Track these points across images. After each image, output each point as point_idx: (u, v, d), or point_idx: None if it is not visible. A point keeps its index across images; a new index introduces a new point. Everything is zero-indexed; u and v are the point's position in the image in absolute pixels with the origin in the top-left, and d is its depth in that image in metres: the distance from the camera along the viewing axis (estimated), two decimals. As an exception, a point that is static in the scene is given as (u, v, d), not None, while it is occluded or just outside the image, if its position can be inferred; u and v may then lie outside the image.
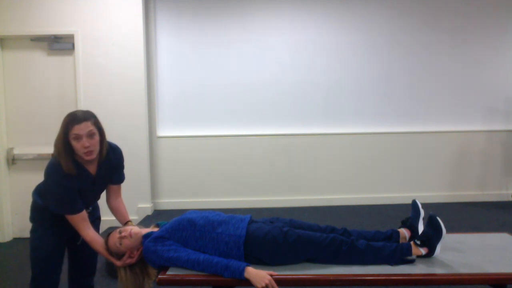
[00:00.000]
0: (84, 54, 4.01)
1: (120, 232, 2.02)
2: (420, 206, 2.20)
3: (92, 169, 2.05)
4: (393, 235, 2.15)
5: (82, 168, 1.99)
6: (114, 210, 2.26)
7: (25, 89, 3.99)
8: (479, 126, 4.74)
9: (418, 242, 1.99)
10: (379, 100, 4.66)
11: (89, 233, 2.01)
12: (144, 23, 4.16)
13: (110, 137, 2.25)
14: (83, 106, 3.99)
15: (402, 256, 1.97)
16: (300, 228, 2.12)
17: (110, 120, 4.07)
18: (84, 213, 2.00)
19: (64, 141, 1.91)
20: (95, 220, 2.20)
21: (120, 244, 1.99)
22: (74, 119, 1.90)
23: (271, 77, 4.57)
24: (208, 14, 4.48)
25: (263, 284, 1.78)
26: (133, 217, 4.19)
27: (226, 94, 4.56)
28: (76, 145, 1.91)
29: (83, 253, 2.20)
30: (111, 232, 2.06)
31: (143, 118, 4.17)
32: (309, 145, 4.63)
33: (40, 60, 3.98)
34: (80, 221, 1.99)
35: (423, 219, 2.18)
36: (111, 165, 2.13)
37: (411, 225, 2.18)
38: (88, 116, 1.93)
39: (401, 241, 2.13)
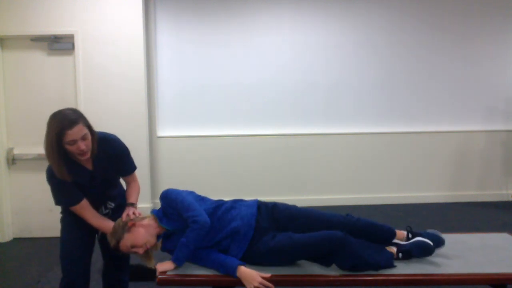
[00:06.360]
0: (84, 54, 4.01)
1: (132, 247, 1.95)
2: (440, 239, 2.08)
3: (88, 164, 2.04)
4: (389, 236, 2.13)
5: (78, 165, 1.99)
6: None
7: (25, 89, 3.98)
8: (479, 126, 4.74)
9: (400, 256, 2.00)
10: (379, 100, 4.66)
11: (93, 222, 2.04)
12: (144, 23, 4.16)
13: (110, 137, 2.22)
14: (83, 106, 3.99)
15: (387, 266, 1.95)
16: (294, 219, 2.08)
17: (110, 120, 4.08)
18: (84, 202, 2.01)
19: (58, 148, 1.84)
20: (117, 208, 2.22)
21: (135, 253, 1.98)
22: (64, 125, 1.80)
23: (271, 77, 4.57)
24: (208, 14, 4.48)
25: (251, 286, 1.80)
26: (133, 217, 4.19)
27: (226, 94, 4.56)
28: (71, 148, 1.86)
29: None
30: (120, 240, 1.97)
31: (143, 118, 4.17)
32: (309, 145, 4.63)
33: (40, 60, 3.98)
34: (82, 210, 2.02)
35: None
36: (108, 155, 2.07)
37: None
38: (78, 118, 1.85)
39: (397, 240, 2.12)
